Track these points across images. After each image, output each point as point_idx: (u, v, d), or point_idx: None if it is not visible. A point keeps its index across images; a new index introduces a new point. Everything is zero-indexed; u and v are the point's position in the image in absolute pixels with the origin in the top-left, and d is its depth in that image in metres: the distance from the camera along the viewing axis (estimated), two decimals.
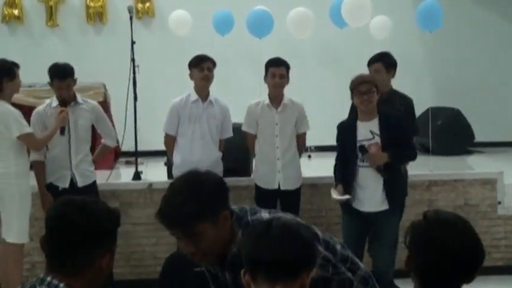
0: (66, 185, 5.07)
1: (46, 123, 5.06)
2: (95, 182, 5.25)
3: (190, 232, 2.17)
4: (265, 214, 2.35)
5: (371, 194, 4.54)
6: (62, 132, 4.99)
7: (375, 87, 4.50)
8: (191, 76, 5.23)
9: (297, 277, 1.86)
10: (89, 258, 1.86)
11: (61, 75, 5.02)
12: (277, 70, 5.23)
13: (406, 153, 4.68)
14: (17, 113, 4.83)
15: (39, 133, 5.03)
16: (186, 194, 2.18)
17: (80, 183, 5.09)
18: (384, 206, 4.55)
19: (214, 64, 5.23)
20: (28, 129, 4.82)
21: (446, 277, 1.91)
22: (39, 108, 5.18)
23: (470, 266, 1.91)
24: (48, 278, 1.88)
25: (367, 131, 4.54)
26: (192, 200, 2.16)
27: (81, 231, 1.84)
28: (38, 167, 5.13)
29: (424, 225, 1.94)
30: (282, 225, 1.93)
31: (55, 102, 5.09)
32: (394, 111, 4.91)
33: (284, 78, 5.26)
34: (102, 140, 5.44)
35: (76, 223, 1.83)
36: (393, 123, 4.54)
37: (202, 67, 5.14)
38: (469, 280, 1.94)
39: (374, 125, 4.54)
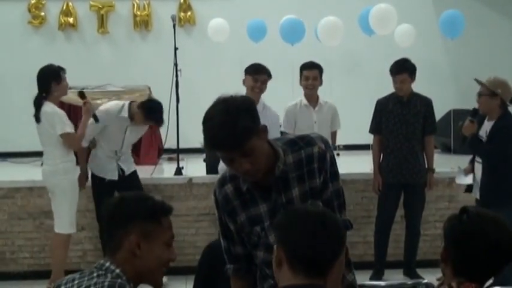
0: (116, 177, 5.20)
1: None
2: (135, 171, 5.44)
3: (246, 148, 2.09)
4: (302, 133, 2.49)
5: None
6: (96, 120, 5.01)
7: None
8: (244, 81, 5.05)
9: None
10: (117, 239, 1.93)
11: None
12: (310, 73, 5.24)
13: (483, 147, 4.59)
14: (61, 113, 4.88)
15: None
16: (231, 115, 2.08)
17: (127, 171, 5.28)
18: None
19: (269, 76, 5.01)
20: (69, 129, 4.83)
21: (481, 268, 1.89)
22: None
23: (505, 259, 1.89)
24: (107, 264, 1.93)
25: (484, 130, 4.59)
26: (240, 117, 2.08)
27: (108, 215, 1.98)
28: (80, 152, 5.26)
29: (465, 218, 1.91)
30: (334, 222, 1.81)
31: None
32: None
33: (316, 81, 5.24)
34: None
35: (107, 210, 1.99)
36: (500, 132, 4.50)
37: (256, 78, 4.95)
38: (498, 272, 1.92)
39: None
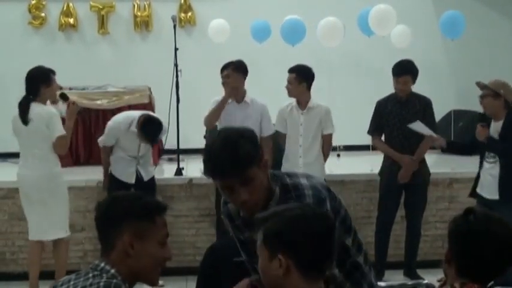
0: (133, 181, 5.24)
1: None
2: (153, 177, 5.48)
3: (245, 177, 2.14)
4: (303, 180, 2.29)
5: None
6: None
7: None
8: None
9: None
10: (110, 239, 1.93)
11: None
12: (288, 77, 5.27)
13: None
14: (58, 114, 4.73)
15: None
16: (233, 141, 2.15)
17: (145, 177, 5.31)
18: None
19: (236, 68, 5.23)
20: (64, 132, 4.69)
21: (487, 268, 1.89)
22: None
23: (510, 259, 1.90)
24: (102, 264, 1.93)
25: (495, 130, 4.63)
26: (242, 143, 2.14)
27: (101, 216, 1.97)
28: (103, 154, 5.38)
29: (472, 218, 1.91)
30: (326, 217, 1.87)
31: None
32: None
33: (291, 84, 5.24)
34: None
35: (99, 210, 1.98)
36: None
37: (222, 75, 5.28)
38: (502, 273, 1.92)
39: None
